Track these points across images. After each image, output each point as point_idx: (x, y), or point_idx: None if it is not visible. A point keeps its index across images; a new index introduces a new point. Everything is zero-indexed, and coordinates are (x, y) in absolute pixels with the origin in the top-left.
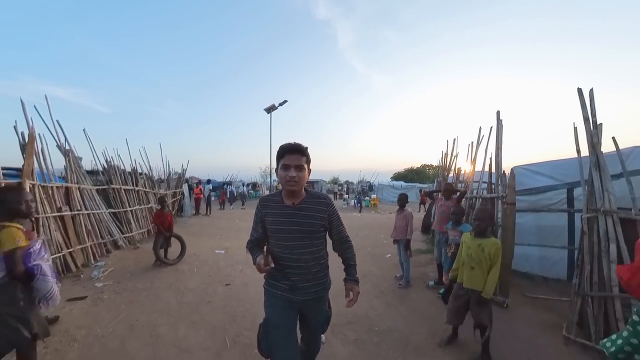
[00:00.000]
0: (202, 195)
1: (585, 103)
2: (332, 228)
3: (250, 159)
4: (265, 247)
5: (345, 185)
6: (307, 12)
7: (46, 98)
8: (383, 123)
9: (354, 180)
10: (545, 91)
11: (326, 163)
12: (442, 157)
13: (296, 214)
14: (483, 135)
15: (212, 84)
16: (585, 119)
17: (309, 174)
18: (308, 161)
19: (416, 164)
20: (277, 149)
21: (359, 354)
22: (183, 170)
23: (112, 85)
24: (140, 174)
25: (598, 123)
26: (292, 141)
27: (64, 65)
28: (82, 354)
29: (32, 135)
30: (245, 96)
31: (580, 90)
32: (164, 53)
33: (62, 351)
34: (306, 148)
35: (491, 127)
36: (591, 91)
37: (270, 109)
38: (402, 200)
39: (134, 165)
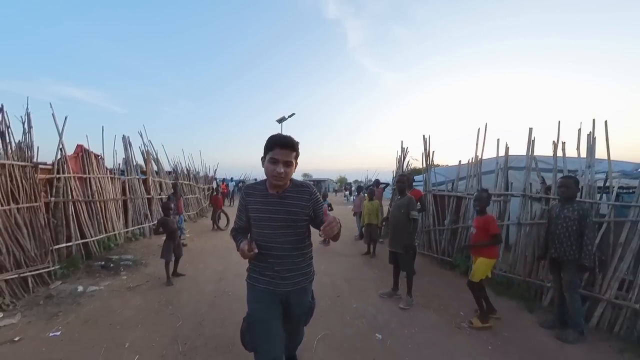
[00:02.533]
0: (226, 190)
1: (427, 143)
2: (316, 216)
3: (259, 157)
4: (249, 234)
5: (351, 185)
6: (317, 12)
7: (144, 127)
8: (393, 122)
9: (362, 179)
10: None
11: (334, 162)
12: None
13: (281, 203)
14: (407, 147)
15: (223, 84)
16: (424, 151)
17: (296, 168)
18: (297, 156)
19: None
20: (267, 139)
21: (315, 257)
22: (214, 170)
23: (127, 86)
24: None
25: (432, 151)
26: (284, 133)
27: (81, 67)
28: (198, 252)
29: (149, 154)
30: (256, 95)
31: (424, 137)
32: (177, 54)
33: (192, 251)
34: (297, 143)
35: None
36: (429, 136)
37: (281, 120)
38: (359, 188)
39: (188, 167)
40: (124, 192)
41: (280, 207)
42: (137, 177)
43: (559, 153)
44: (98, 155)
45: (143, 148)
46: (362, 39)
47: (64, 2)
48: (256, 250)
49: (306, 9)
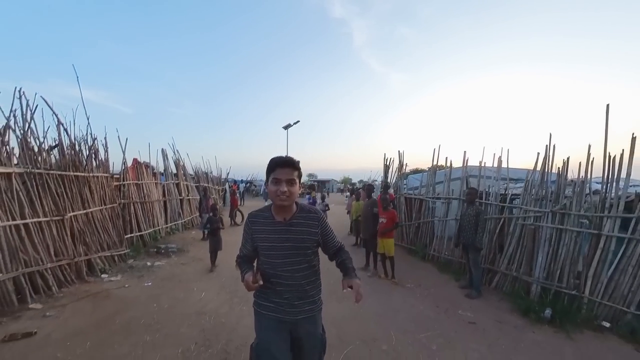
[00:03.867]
0: (237, 190)
1: (402, 157)
2: (326, 242)
3: (267, 158)
4: (254, 262)
5: (355, 184)
6: (322, 12)
7: (173, 139)
8: (400, 122)
9: (366, 178)
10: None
11: (341, 162)
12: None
13: (288, 230)
14: (390, 158)
15: (230, 85)
16: (398, 164)
17: (300, 189)
18: (299, 175)
19: (427, 164)
20: (268, 162)
21: None
22: (227, 173)
23: (135, 87)
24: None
25: (405, 163)
26: (283, 155)
27: (90, 69)
28: (225, 242)
29: (179, 162)
30: (263, 97)
31: (399, 152)
32: (184, 56)
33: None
34: (298, 162)
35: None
36: (403, 151)
37: (287, 127)
38: (351, 191)
39: (207, 171)
40: (163, 195)
41: (287, 235)
42: (173, 182)
43: (482, 164)
44: (147, 165)
45: (174, 157)
46: (368, 38)
47: (75, 8)
48: (261, 282)
49: (312, 8)
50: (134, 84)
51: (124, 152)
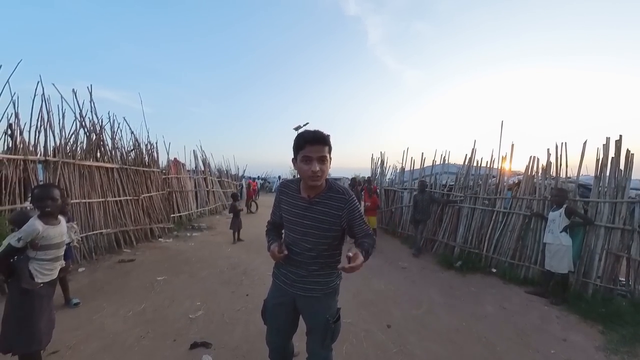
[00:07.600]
0: (256, 186)
1: (383, 157)
2: (352, 226)
3: (280, 156)
4: (283, 232)
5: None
6: (337, 9)
7: (200, 141)
8: (414, 120)
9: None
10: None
11: (355, 160)
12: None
13: (309, 209)
14: (378, 158)
15: (244, 84)
16: (380, 166)
17: (331, 164)
18: (330, 150)
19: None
20: (295, 137)
21: None
22: (243, 171)
23: (155, 87)
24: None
25: (386, 164)
26: (312, 129)
27: (113, 70)
28: (245, 223)
29: (206, 161)
30: (279, 95)
31: (380, 152)
32: (202, 56)
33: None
34: (328, 136)
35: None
36: (385, 153)
37: (297, 128)
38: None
39: (227, 168)
40: (194, 186)
41: (307, 213)
42: (201, 176)
43: (437, 163)
44: (184, 164)
45: (202, 157)
46: (383, 35)
47: (98, 12)
48: (286, 252)
49: (326, 7)
50: (153, 84)
51: (168, 154)
